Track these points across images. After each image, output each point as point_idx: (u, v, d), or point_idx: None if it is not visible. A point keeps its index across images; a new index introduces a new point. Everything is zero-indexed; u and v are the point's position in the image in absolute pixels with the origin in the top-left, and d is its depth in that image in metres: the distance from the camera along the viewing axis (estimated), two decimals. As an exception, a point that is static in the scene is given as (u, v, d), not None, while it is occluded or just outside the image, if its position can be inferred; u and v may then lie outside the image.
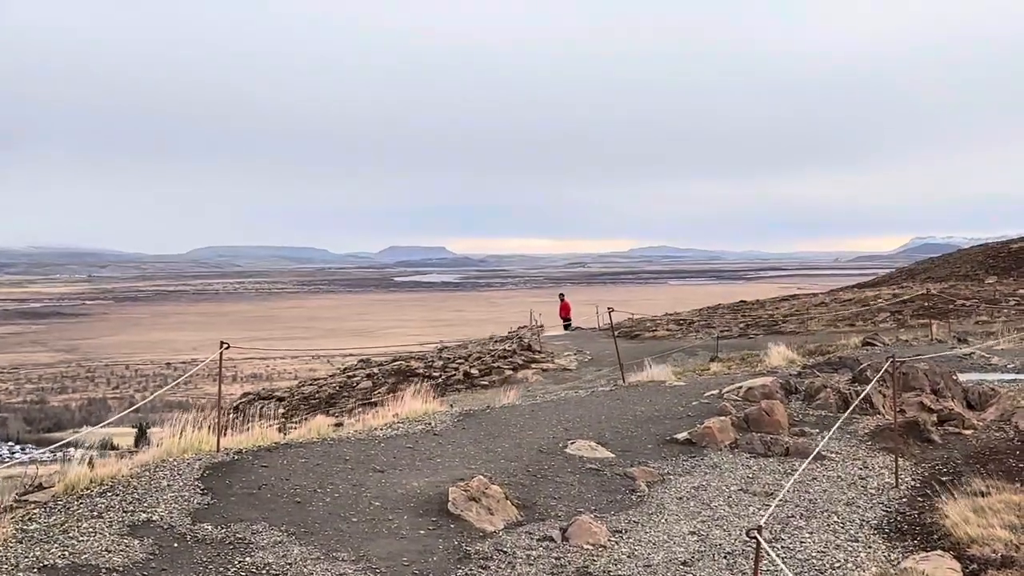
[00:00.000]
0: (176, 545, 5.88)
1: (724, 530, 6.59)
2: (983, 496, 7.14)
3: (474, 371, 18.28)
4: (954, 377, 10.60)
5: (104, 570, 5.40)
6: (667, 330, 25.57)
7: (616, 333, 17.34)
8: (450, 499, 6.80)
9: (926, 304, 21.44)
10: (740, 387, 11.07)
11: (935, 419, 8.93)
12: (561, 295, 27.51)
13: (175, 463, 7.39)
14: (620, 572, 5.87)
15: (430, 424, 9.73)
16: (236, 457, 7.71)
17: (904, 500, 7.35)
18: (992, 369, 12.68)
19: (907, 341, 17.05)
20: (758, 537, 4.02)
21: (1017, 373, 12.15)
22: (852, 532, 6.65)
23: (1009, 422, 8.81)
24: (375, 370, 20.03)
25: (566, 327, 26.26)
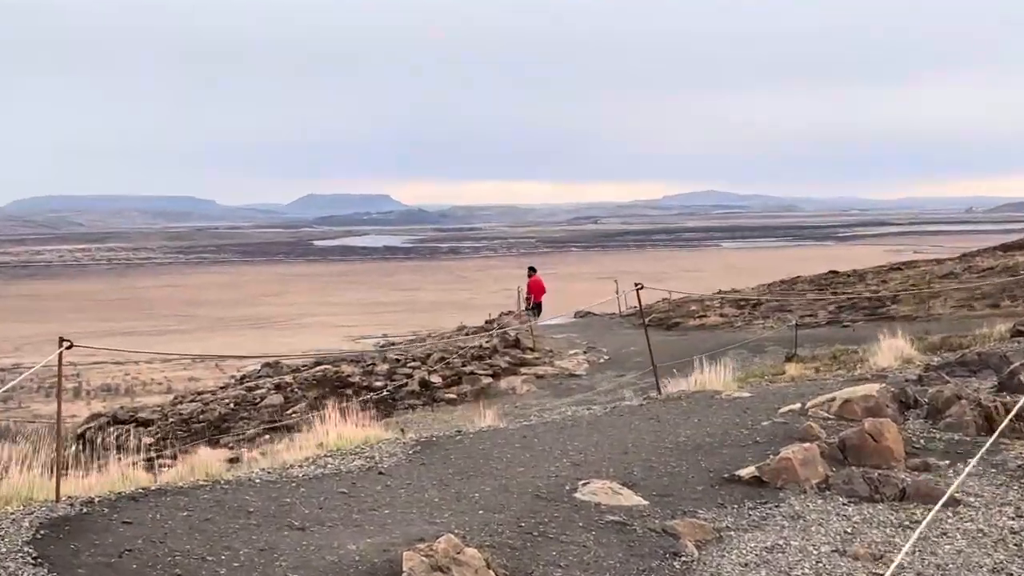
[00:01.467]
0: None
1: None
2: None
3: (435, 379, 19.12)
4: None
5: None
6: (721, 315, 27.13)
7: (647, 321, 18.49)
8: (404, 569, 6.99)
9: None
10: (833, 399, 12.05)
11: (1119, 447, 9.66)
12: (531, 269, 28.95)
13: (-3, 523, 7.80)
14: None
15: (373, 457, 10.39)
16: (85, 510, 7.99)
17: None
18: None
19: None
20: None
21: None
22: None
23: None
24: (288, 379, 21.04)
25: (534, 311, 27.65)
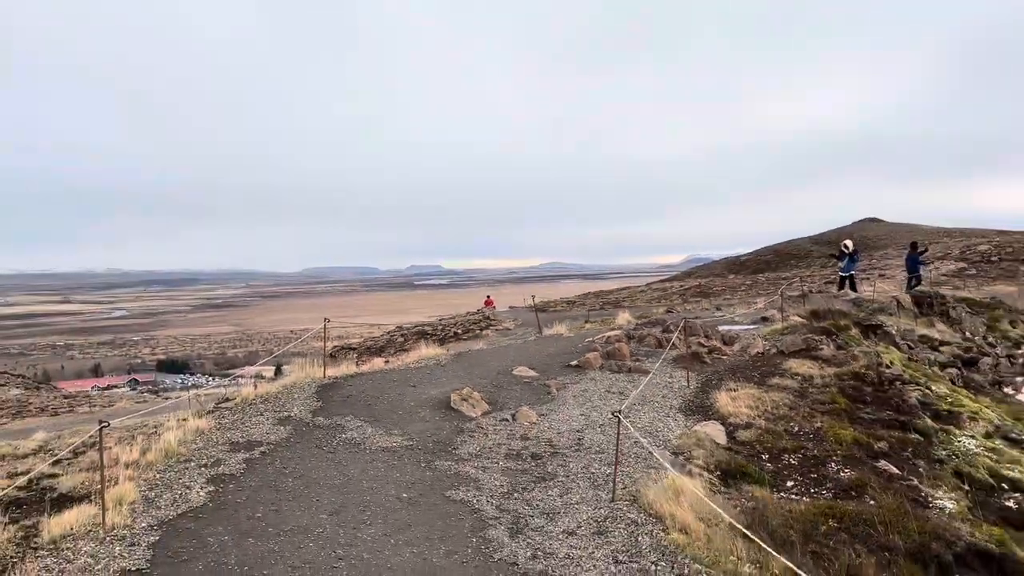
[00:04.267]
0: (304, 429, 10.81)
1: (599, 412, 11.74)
2: (734, 391, 12.63)
3: (460, 331, 28.29)
4: (716, 328, 17.34)
5: (265, 442, 10.22)
6: (562, 306, 39.53)
7: (536, 308, 26.31)
8: (451, 400, 12.13)
9: (699, 289, 36.28)
10: (604, 335, 17.17)
11: (707, 350, 15.26)
12: (488, 296, 40.84)
13: (301, 384, 12.76)
14: (544, 435, 10.79)
15: (439, 361, 15.54)
16: (334, 380, 13.14)
17: (693, 394, 12.87)
18: (735, 323, 19.63)
19: (691, 309, 26.42)
20: (619, 416, 8.64)
21: (748, 325, 19.05)
22: (667, 412, 11.84)
23: (746, 351, 15.38)
24: (405, 331, 32.34)
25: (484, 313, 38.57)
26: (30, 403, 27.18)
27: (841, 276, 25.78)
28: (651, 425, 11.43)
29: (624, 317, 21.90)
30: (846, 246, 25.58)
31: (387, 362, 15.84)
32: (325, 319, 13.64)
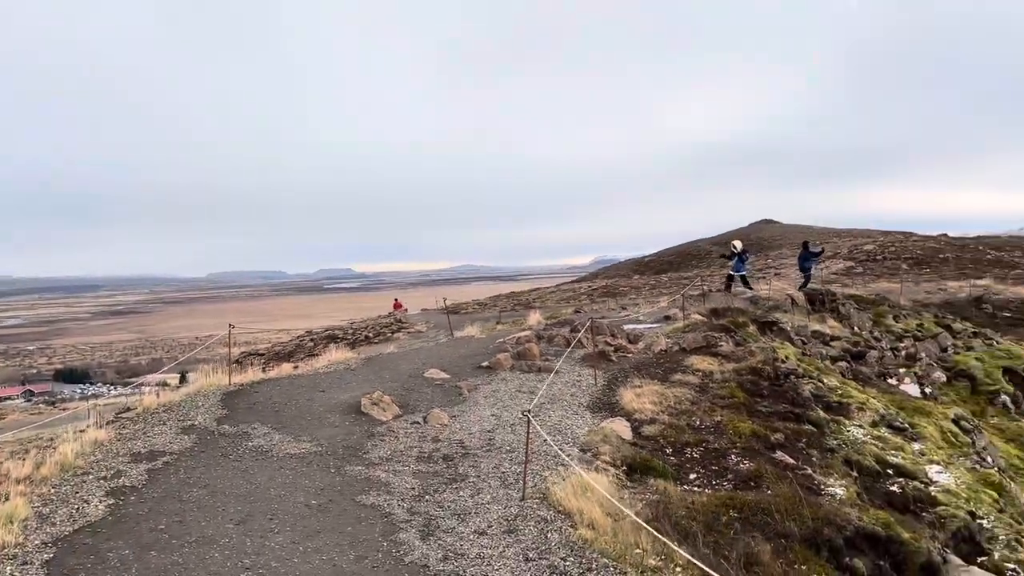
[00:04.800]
0: (209, 438, 10.53)
1: (510, 412, 11.76)
2: (639, 387, 12.88)
3: (371, 334, 27.68)
4: (622, 327, 17.68)
5: (168, 452, 9.89)
6: (474, 307, 39.16)
7: (448, 310, 26.67)
8: (362, 404, 11.90)
9: (606, 290, 36.97)
10: (514, 336, 17.21)
11: (613, 349, 15.50)
12: (396, 299, 40.86)
13: (206, 392, 12.37)
14: (455, 436, 10.79)
15: (349, 365, 15.25)
16: (240, 387, 12.76)
17: (600, 392, 13.00)
18: (640, 322, 20.09)
19: (598, 309, 26.61)
20: (528, 415, 8.76)
21: (652, 324, 19.47)
22: (575, 410, 11.93)
23: (650, 349, 15.70)
24: (315, 336, 31.52)
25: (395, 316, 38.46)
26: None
27: (730, 275, 26.65)
28: (560, 423, 11.54)
29: (535, 318, 22.06)
30: (735, 246, 26.50)
31: (296, 367, 15.54)
32: (230, 325, 13.28)
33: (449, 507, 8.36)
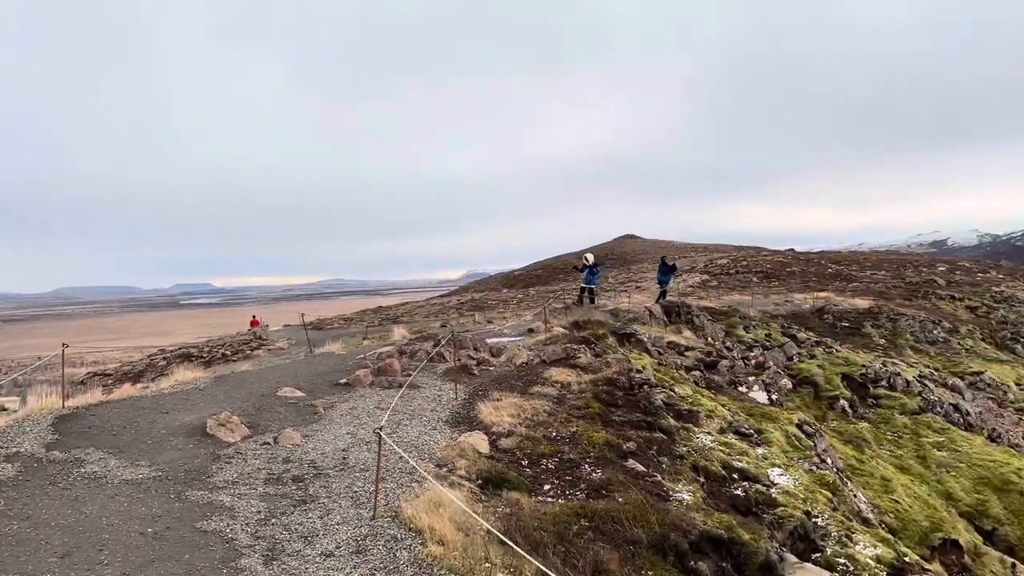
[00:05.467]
0: (35, 465, 9.71)
1: (366, 430, 11.42)
2: (499, 400, 12.99)
3: (228, 352, 26.44)
4: (485, 340, 17.82)
5: None
6: (340, 323, 38.85)
7: (310, 326, 26.03)
8: (208, 426, 11.41)
9: (474, 304, 37.81)
10: (376, 352, 17.13)
11: (475, 362, 15.58)
12: (254, 316, 40.14)
13: (35, 416, 11.49)
14: (307, 457, 10.45)
15: (198, 384, 14.53)
16: (75, 410, 11.94)
17: (460, 406, 13.05)
18: (504, 335, 20.46)
19: (464, 323, 26.96)
20: (379, 433, 8.37)
21: (515, 337, 19.84)
22: (434, 425, 11.79)
23: (512, 362, 15.86)
24: (168, 354, 30.18)
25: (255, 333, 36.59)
26: None
27: (582, 287, 27.31)
28: (418, 439, 11.42)
29: (400, 332, 21.94)
30: (586, 259, 27.20)
31: (137, 387, 14.65)
32: (63, 344, 12.41)
33: (296, 529, 8.06)
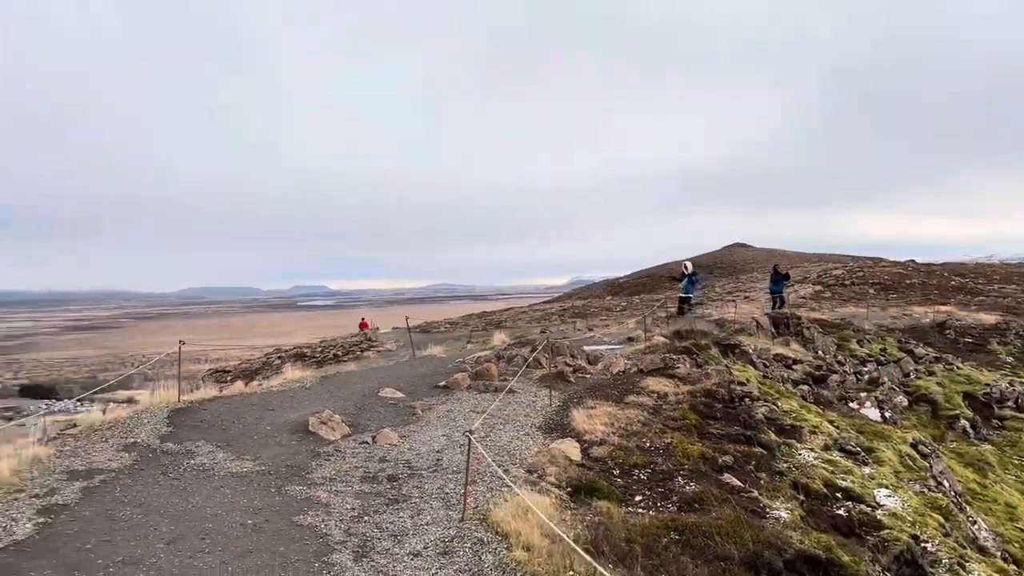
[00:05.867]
0: (150, 455, 10.31)
1: (461, 432, 11.37)
2: (592, 408, 12.80)
3: (339, 353, 27.90)
4: (583, 347, 17.76)
5: (107, 470, 9.65)
6: (446, 327, 40.11)
7: (417, 329, 26.91)
8: (310, 423, 11.81)
9: (576, 311, 37.33)
10: (475, 356, 17.33)
11: (572, 369, 15.54)
12: (362, 318, 41.34)
13: (153, 409, 12.20)
14: (403, 457, 10.69)
15: (304, 383, 15.10)
16: (189, 405, 12.60)
17: (554, 412, 13.02)
18: (603, 343, 20.40)
19: (564, 330, 27.19)
20: (469, 435, 8.67)
21: (614, 345, 19.67)
22: (527, 430, 11.81)
23: (608, 370, 15.71)
24: (283, 354, 31.82)
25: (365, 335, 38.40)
26: None
27: (681, 297, 26.68)
28: (510, 444, 11.44)
29: (500, 337, 22.14)
30: (685, 267, 26.54)
31: (248, 385, 15.34)
32: (180, 341, 13.11)
33: (387, 528, 8.23)
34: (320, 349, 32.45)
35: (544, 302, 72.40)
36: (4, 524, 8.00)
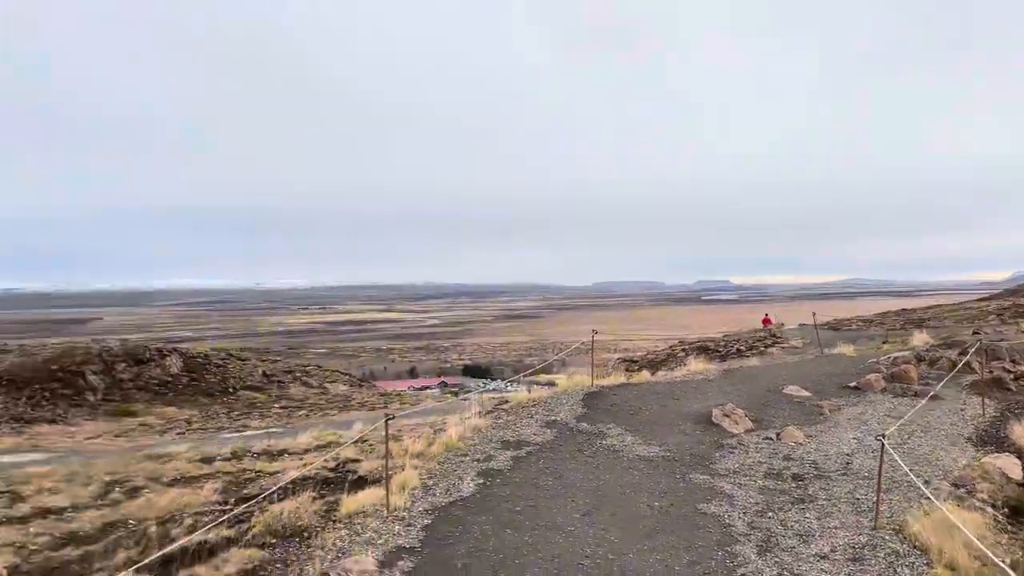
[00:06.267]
0: (568, 433, 11.28)
1: (872, 437, 10.88)
2: None
3: (742, 347, 28.06)
4: None
5: (531, 443, 10.72)
6: (858, 324, 37.35)
7: (824, 326, 26.54)
8: (713, 415, 12.06)
9: (1020, 310, 30.53)
10: (891, 357, 16.13)
11: (1012, 376, 13.68)
12: (765, 314, 40.60)
13: (570, 392, 13.44)
14: (809, 456, 10.37)
15: (707, 376, 15.56)
16: (601, 389, 13.64)
17: (987, 423, 11.83)
18: None
19: (1004, 332, 22.80)
20: (883, 440, 8.13)
21: None
22: (952, 440, 10.99)
23: None
24: (687, 346, 33.01)
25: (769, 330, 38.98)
26: (353, 398, 30.70)
27: None
28: (931, 454, 10.57)
29: (921, 338, 20.16)
30: None
31: (653, 374, 16.00)
32: (593, 331, 14.19)
33: (792, 526, 8.10)
34: (723, 343, 32.30)
35: (978, 299, 63.66)
36: (453, 482, 9.41)
